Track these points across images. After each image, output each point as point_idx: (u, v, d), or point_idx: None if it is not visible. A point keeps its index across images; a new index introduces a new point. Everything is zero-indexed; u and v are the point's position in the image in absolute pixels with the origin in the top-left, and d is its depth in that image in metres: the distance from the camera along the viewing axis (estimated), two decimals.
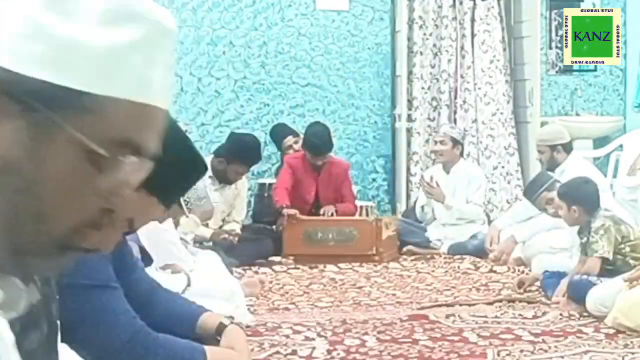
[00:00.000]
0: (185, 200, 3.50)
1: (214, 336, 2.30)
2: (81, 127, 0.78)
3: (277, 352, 3.35)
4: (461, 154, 6.20)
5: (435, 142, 6.20)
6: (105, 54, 0.79)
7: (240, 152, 5.55)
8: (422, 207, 6.18)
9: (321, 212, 5.88)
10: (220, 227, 5.55)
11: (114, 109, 0.79)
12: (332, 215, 5.84)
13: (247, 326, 3.62)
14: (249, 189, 6.79)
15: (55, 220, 0.81)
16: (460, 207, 5.96)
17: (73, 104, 0.78)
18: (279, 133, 6.65)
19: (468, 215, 6.00)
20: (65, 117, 0.78)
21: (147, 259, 2.47)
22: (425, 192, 6.09)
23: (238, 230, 5.60)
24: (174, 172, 1.29)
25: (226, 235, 5.39)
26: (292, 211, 5.62)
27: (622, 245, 4.18)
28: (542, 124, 7.00)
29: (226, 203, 5.60)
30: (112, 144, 0.80)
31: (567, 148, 5.50)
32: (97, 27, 0.78)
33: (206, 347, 2.17)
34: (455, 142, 6.07)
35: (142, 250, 2.70)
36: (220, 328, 2.30)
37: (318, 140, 5.89)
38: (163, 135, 1.14)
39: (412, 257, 5.71)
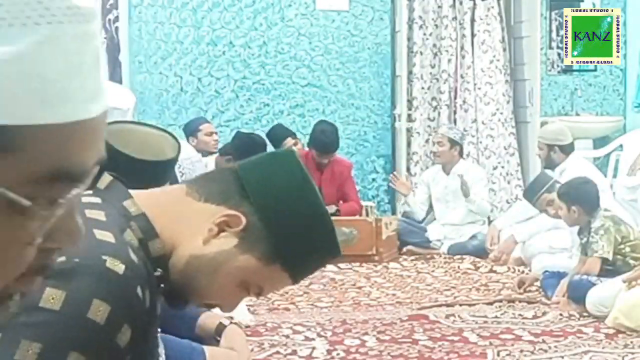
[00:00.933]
0: (178, 164, 3.51)
1: (214, 336, 2.30)
2: None
3: (277, 352, 3.35)
4: (460, 155, 6.19)
5: (434, 144, 6.21)
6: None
7: (248, 151, 5.54)
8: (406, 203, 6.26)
9: None
10: None
11: (30, 141, 0.58)
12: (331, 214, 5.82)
13: (247, 326, 3.62)
14: None
15: None
16: (478, 201, 5.97)
17: None
18: (277, 135, 6.58)
19: (482, 211, 6.03)
20: None
21: None
22: (391, 184, 6.16)
23: None
24: (314, 257, 1.34)
25: None
26: None
27: (622, 246, 4.18)
28: (542, 123, 6.99)
29: None
30: (38, 183, 0.59)
31: (566, 150, 5.49)
32: None
33: (205, 347, 2.16)
34: (453, 143, 6.06)
35: None
36: (220, 328, 2.30)
37: (327, 139, 5.93)
38: (310, 221, 1.28)
39: (412, 257, 5.71)
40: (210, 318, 2.35)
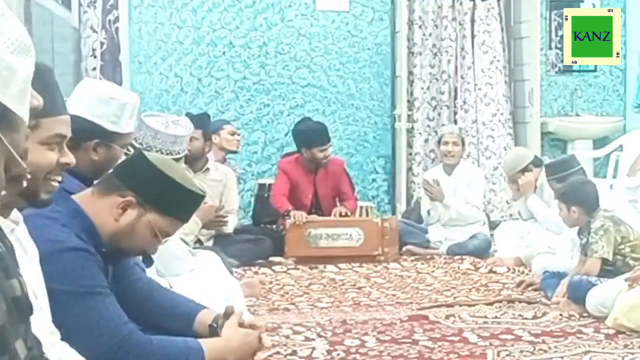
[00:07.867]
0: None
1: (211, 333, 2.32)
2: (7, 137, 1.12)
3: (277, 353, 3.35)
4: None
5: (447, 143, 6.02)
6: (25, 80, 1.12)
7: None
8: (428, 211, 6.11)
9: (334, 212, 5.84)
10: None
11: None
12: (341, 214, 5.81)
13: None
14: (249, 190, 6.80)
15: None
16: (460, 208, 5.93)
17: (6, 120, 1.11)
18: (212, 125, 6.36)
19: (467, 217, 5.97)
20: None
21: (147, 260, 2.47)
22: (426, 193, 6.04)
23: (230, 220, 5.54)
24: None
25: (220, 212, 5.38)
26: (300, 213, 5.60)
27: (622, 246, 4.18)
28: (542, 124, 7.01)
29: (213, 198, 5.53)
30: None
31: (537, 163, 5.51)
32: (15, 55, 1.09)
33: (202, 341, 2.19)
34: (463, 143, 6.10)
35: None
36: (217, 319, 2.35)
37: (314, 128, 5.92)
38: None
39: (412, 258, 5.71)
40: (207, 315, 2.37)
